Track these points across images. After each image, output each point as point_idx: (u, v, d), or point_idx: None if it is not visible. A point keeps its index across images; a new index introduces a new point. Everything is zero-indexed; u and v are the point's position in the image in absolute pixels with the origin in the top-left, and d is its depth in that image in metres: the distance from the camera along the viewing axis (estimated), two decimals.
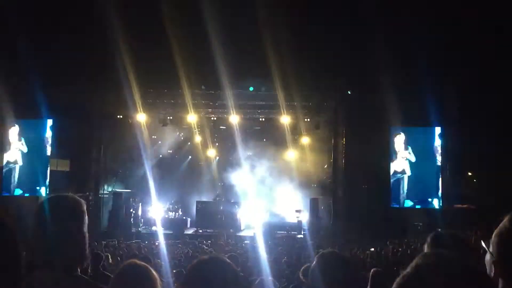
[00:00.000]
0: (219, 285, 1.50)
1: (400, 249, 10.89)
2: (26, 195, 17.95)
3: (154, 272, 1.91)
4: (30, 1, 16.08)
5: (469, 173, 20.36)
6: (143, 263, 1.95)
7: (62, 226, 1.80)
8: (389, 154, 18.13)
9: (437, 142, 17.91)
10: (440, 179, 17.77)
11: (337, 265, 2.13)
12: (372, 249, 11.90)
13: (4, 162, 18.07)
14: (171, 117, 20.99)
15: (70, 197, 1.98)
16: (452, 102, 17.09)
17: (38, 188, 18.06)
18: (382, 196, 18.19)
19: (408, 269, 1.16)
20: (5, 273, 1.05)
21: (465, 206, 18.29)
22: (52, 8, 16.71)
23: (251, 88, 18.97)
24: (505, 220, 1.40)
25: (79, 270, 1.88)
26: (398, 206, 17.84)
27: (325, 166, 21.39)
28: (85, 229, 1.93)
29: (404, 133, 18.12)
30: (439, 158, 17.84)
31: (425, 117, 17.02)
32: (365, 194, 18.80)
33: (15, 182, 18.13)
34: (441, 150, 17.81)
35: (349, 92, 18.65)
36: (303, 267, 5.11)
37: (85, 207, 1.99)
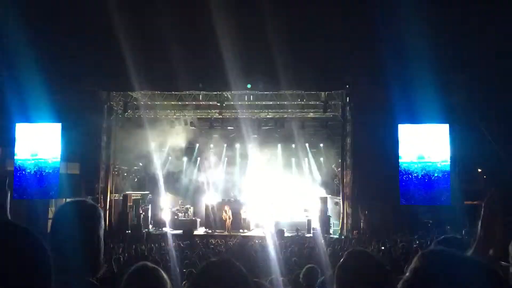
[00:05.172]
0: (228, 287, 1.51)
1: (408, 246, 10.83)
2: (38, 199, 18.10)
3: (164, 274, 1.93)
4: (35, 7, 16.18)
5: (479, 170, 20.22)
6: (153, 265, 1.97)
7: (78, 231, 1.82)
8: (398, 151, 18.04)
9: (446, 139, 17.81)
10: (450, 175, 17.66)
11: (366, 264, 2.05)
12: (382, 247, 11.87)
13: (16, 165, 18.24)
14: (179, 119, 21.06)
15: (87, 202, 2.00)
16: (460, 98, 17.00)
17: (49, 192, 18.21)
18: (392, 194, 18.12)
19: (408, 274, 1.13)
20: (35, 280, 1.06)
21: (475, 202, 18.17)
22: (58, 8, 16.85)
23: (248, 86, 18.83)
24: None
25: (94, 275, 1.88)
26: (407, 203, 17.76)
27: (333, 166, 21.38)
28: (101, 234, 1.93)
29: (413, 130, 18.06)
30: (448, 155, 17.74)
31: (433, 114, 16.94)
32: (374, 191, 18.74)
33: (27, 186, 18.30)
34: (450, 146, 17.71)
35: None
36: (304, 269, 5.09)
37: (101, 212, 1.99)
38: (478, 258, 1.25)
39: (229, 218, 19.32)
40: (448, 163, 17.71)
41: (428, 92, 16.10)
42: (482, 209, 1.71)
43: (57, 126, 18.36)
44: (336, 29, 17.27)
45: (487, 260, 1.41)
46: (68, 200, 2.04)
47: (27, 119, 18.26)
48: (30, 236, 1.10)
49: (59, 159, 18.38)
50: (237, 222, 19.49)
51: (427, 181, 17.80)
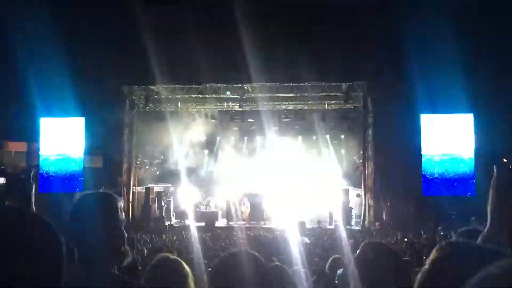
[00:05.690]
0: (246, 278, 1.51)
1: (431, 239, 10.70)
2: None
3: (185, 266, 1.94)
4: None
5: (504, 160, 19.79)
6: (174, 257, 1.98)
7: (96, 223, 1.82)
8: (421, 142, 17.78)
9: (470, 129, 17.47)
10: (474, 165, 17.34)
11: (383, 256, 2.04)
12: (405, 239, 11.77)
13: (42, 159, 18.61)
14: (200, 112, 21.17)
15: (104, 193, 2.00)
16: (484, 87, 16.63)
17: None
18: (415, 185, 17.89)
19: (426, 265, 1.14)
20: (46, 270, 1.08)
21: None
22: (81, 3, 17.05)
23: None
24: None
25: (116, 267, 1.89)
26: (431, 194, 17.51)
27: (355, 157, 21.21)
28: (120, 225, 1.92)
29: (436, 120, 17.77)
30: (472, 145, 17.41)
31: (457, 103, 16.63)
32: (397, 183, 18.54)
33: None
34: (474, 136, 17.37)
35: None
36: (330, 259, 5.09)
37: (120, 204, 1.98)
38: (495, 247, 1.23)
39: (248, 210, 19.39)
40: (473, 152, 17.37)
41: (452, 81, 15.79)
42: (491, 191, 1.68)
43: (81, 120, 18.65)
44: (357, 19, 17.05)
45: (500, 244, 1.38)
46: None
47: (51, 114, 18.59)
48: (41, 223, 1.12)
49: (82, 153, 18.69)
50: (258, 214, 19.52)
51: (451, 171, 17.51)
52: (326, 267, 5.00)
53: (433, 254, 1.15)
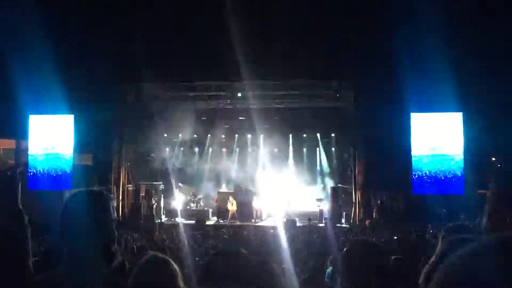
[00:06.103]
0: (235, 276, 1.51)
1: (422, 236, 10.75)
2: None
3: (174, 264, 1.93)
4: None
5: (493, 158, 19.97)
6: (163, 255, 1.97)
7: (88, 222, 1.78)
8: (410, 140, 17.89)
9: (459, 128, 17.61)
10: (463, 164, 17.49)
11: (370, 253, 2.07)
12: (395, 237, 11.81)
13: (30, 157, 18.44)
14: (191, 110, 21.08)
15: (97, 191, 1.96)
16: (474, 86, 16.75)
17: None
18: (404, 183, 18.00)
19: (433, 257, 1.16)
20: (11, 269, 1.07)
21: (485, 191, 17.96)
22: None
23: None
24: None
25: (105, 266, 1.86)
26: (420, 192, 17.63)
27: (345, 155, 21.30)
28: (112, 225, 1.88)
29: (426, 118, 17.90)
30: (461, 144, 17.56)
31: (446, 102, 16.74)
32: (387, 181, 18.63)
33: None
34: (463, 135, 17.52)
35: None
36: (331, 257, 5.12)
37: (112, 202, 1.93)
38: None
39: (234, 208, 19.38)
40: (462, 151, 17.53)
41: (441, 80, 15.89)
42: (488, 199, 1.72)
43: (70, 118, 18.51)
44: (348, 18, 17.08)
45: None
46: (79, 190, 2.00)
47: (40, 111, 18.42)
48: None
49: (72, 150, 18.55)
50: (247, 212, 19.51)
51: (440, 170, 17.65)
52: (328, 264, 5.05)
53: (441, 246, 1.18)
